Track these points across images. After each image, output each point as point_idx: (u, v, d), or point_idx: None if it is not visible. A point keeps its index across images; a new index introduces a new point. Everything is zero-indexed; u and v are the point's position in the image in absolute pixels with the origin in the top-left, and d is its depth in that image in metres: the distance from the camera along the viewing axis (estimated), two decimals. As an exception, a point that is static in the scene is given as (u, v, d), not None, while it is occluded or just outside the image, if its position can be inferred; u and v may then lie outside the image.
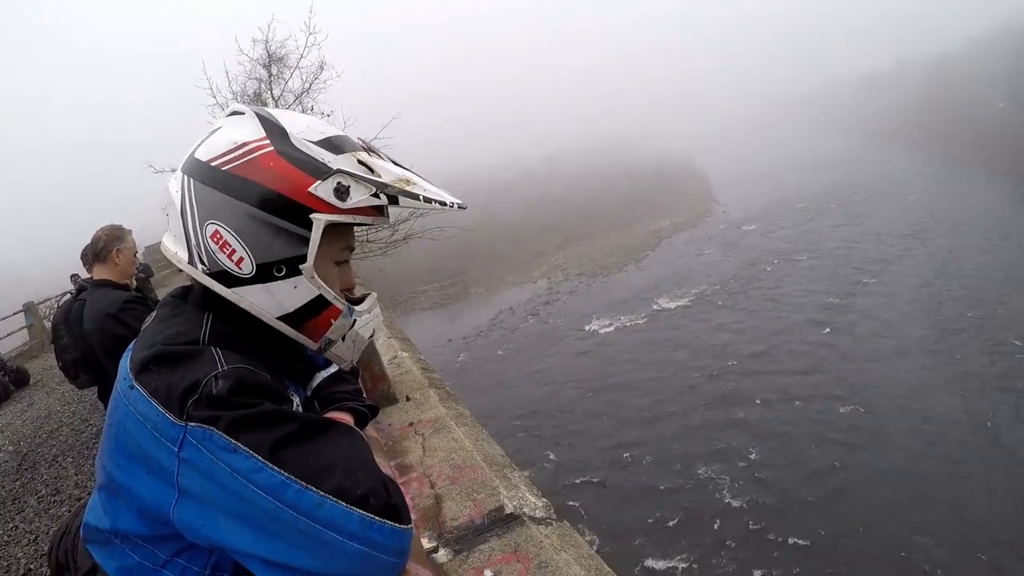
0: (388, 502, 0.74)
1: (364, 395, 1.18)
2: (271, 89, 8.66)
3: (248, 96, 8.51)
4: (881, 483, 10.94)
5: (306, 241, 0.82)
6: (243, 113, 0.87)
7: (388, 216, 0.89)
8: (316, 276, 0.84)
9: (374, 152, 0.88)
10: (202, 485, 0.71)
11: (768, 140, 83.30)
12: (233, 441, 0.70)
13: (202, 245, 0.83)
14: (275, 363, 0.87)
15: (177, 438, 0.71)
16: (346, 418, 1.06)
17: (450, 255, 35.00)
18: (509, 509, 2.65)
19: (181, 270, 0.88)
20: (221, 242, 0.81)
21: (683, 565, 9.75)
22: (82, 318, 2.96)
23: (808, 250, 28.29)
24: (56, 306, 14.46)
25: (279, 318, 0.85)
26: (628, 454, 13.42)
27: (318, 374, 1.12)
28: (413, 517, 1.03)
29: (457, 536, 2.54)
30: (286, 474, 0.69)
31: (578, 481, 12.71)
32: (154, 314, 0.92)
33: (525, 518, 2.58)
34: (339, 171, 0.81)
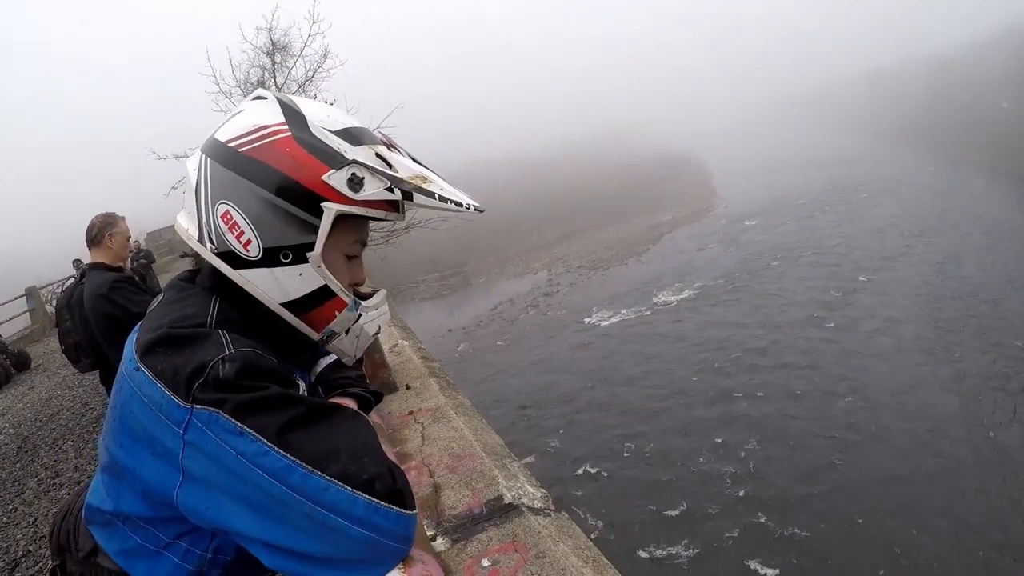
0: (394, 487, 0.73)
1: (367, 381, 1.18)
2: (274, 77, 8.60)
3: (251, 84, 8.44)
4: (878, 478, 11.00)
5: (315, 229, 0.81)
6: (265, 98, 0.87)
7: (403, 213, 0.88)
8: (323, 266, 0.83)
9: (395, 148, 0.87)
10: (207, 468, 0.70)
11: (769, 139, 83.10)
12: (239, 424, 0.69)
13: (212, 224, 0.82)
14: (281, 349, 0.86)
15: (182, 420, 0.70)
16: (350, 403, 1.05)
17: (451, 246, 35.04)
18: (508, 499, 2.66)
19: (184, 255, 0.87)
20: (231, 223, 0.81)
21: (683, 555, 9.82)
22: (83, 301, 3.06)
23: (809, 246, 28.24)
24: (58, 290, 14.53)
25: (282, 304, 0.84)
26: (628, 445, 13.46)
27: (322, 359, 1.12)
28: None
29: (455, 525, 2.55)
30: (292, 458, 0.69)
31: (578, 471, 12.76)
32: (160, 297, 0.92)
33: (524, 508, 2.59)
34: (354, 162, 0.81)
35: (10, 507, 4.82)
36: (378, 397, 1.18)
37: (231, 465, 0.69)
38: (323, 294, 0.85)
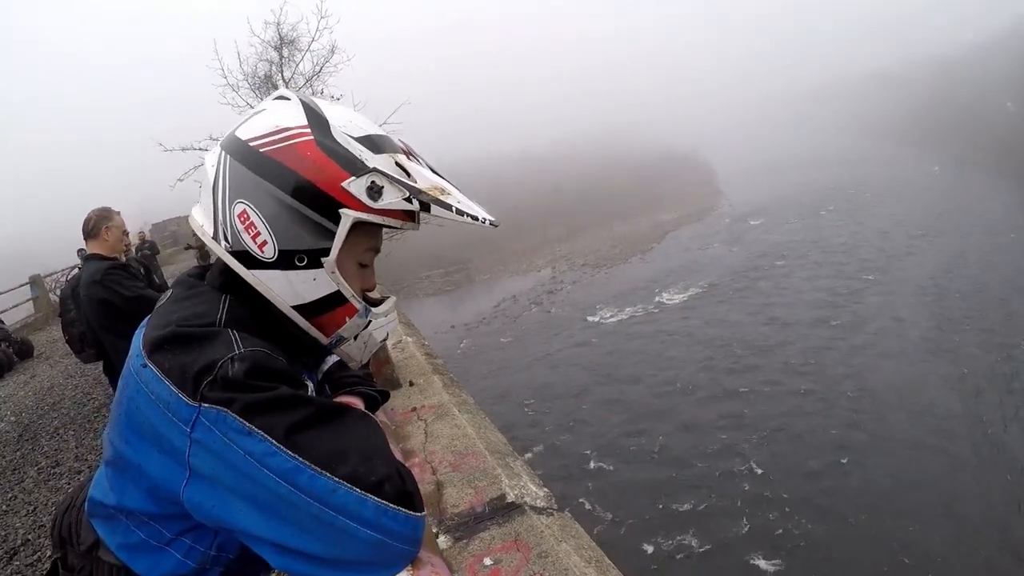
0: (403, 489, 0.72)
1: (374, 380, 1.17)
2: (282, 71, 8.59)
3: (259, 78, 8.44)
4: (882, 477, 11.07)
5: (332, 235, 0.81)
6: (289, 99, 0.86)
7: (418, 223, 0.88)
8: (337, 271, 0.83)
9: (414, 157, 0.86)
10: (214, 466, 0.70)
11: (773, 139, 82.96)
12: (247, 424, 0.68)
13: (228, 222, 0.82)
14: (290, 351, 0.85)
15: (190, 419, 0.70)
16: (356, 402, 1.05)
17: (454, 242, 35.12)
18: (510, 498, 2.65)
19: (189, 246, 0.86)
20: (247, 222, 0.81)
21: (688, 550, 9.91)
22: None
23: (815, 246, 28.23)
24: (63, 280, 14.57)
25: (294, 307, 0.84)
26: (633, 442, 13.52)
27: (328, 358, 1.11)
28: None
29: (458, 523, 2.54)
30: (300, 458, 0.68)
31: (584, 467, 12.84)
32: (168, 293, 0.91)
33: (526, 507, 2.58)
34: (375, 170, 0.80)
35: (10, 495, 4.84)
36: (385, 396, 1.18)
37: (238, 464, 0.68)
38: (335, 299, 0.85)
